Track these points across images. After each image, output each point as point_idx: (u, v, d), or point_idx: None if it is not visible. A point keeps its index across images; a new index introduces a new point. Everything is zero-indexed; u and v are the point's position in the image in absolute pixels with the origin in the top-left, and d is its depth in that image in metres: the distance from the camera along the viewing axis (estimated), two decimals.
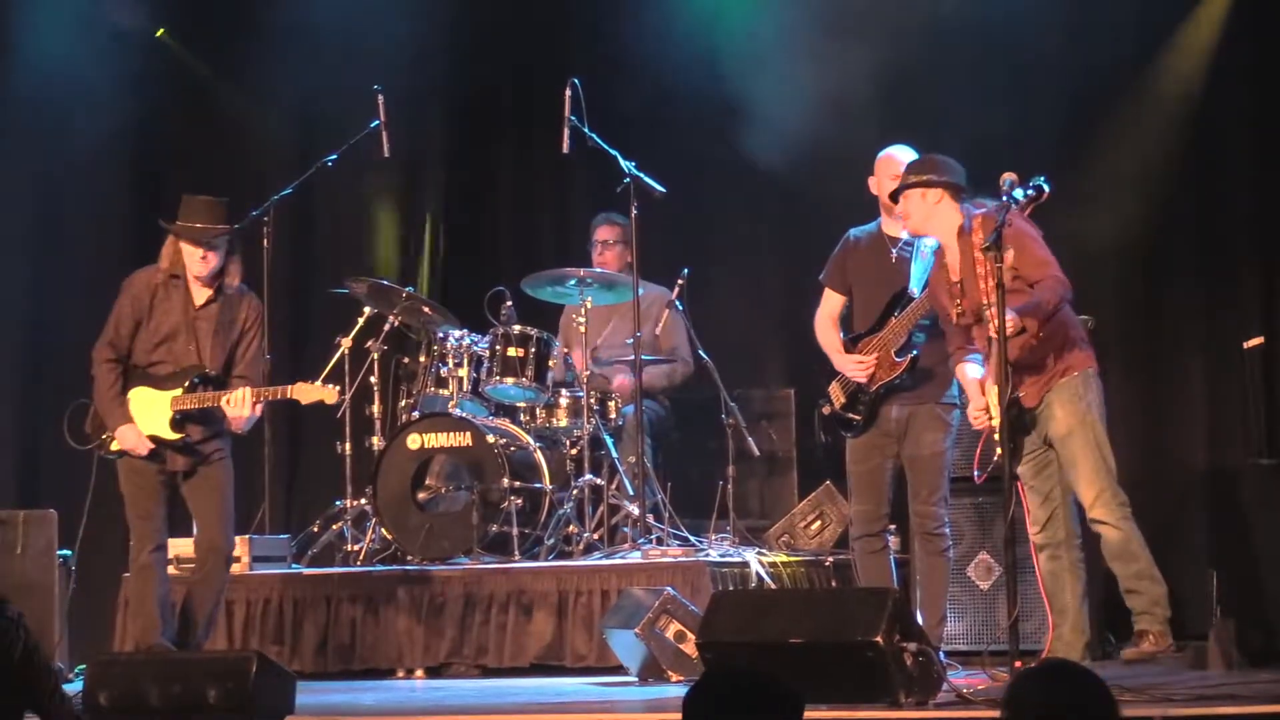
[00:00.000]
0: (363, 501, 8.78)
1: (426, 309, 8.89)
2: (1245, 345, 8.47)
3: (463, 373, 8.69)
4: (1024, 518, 6.77)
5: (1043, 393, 6.72)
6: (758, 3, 9.37)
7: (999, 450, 6.56)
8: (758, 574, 8.02)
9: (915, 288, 7.16)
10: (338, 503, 8.93)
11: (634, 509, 8.38)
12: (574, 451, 8.69)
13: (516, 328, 8.69)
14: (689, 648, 6.95)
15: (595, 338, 8.84)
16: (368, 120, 9.16)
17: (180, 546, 7.91)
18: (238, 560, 8.39)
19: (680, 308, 8.72)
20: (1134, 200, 8.97)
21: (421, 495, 8.61)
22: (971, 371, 6.83)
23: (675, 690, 6.82)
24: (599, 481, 8.55)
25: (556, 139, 8.54)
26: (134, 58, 10.18)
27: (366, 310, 8.94)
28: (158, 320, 7.31)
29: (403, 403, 8.87)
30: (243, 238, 7.64)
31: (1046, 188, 6.59)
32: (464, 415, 8.61)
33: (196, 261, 7.27)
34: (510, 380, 8.63)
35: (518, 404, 8.84)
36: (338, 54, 9.83)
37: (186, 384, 7.25)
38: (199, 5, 10.40)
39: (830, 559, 8.42)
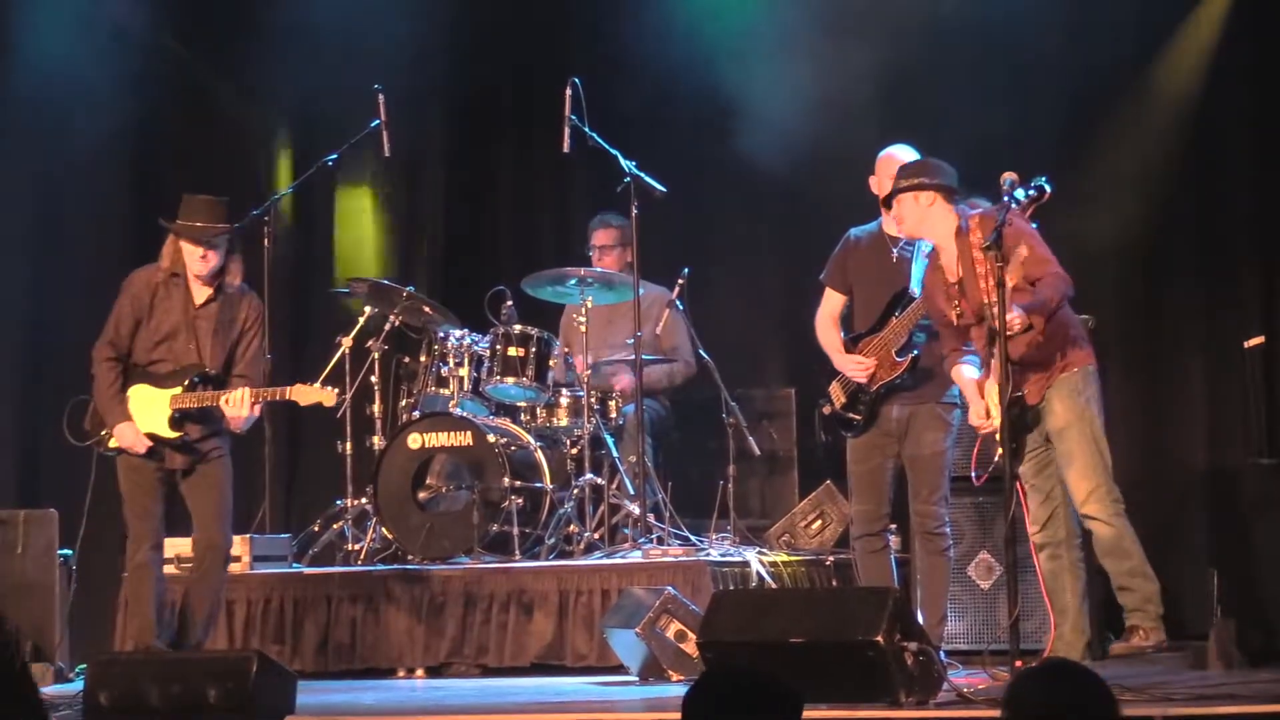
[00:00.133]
0: (363, 501, 8.78)
1: (427, 308, 8.89)
2: (1246, 345, 8.47)
3: (463, 372, 8.70)
4: (1024, 517, 6.77)
5: (1044, 389, 6.72)
6: (758, 2, 9.37)
7: (999, 451, 6.57)
8: (758, 573, 8.02)
9: (916, 287, 7.16)
10: (338, 502, 8.93)
11: (635, 508, 8.39)
12: (574, 451, 8.69)
13: (517, 327, 8.70)
14: (690, 647, 6.95)
15: (596, 338, 8.84)
16: (368, 120, 9.17)
17: (180, 546, 7.91)
18: (238, 560, 8.39)
19: (681, 307, 8.72)
20: (1134, 200, 8.97)
21: (422, 495, 8.61)
22: (968, 373, 6.82)
23: (676, 690, 6.82)
24: (600, 481, 8.56)
25: (557, 139, 8.54)
26: (134, 58, 10.18)
27: (367, 310, 8.94)
28: (158, 319, 7.31)
29: (403, 402, 8.87)
30: (243, 237, 7.64)
31: (1048, 188, 6.59)
32: (465, 415, 8.61)
33: (196, 260, 7.27)
34: (511, 380, 8.64)
35: (518, 403, 8.84)
36: (338, 54, 9.82)
37: (186, 383, 7.25)
38: (199, 5, 10.40)
39: (831, 558, 8.42)
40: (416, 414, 8.76)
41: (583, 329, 8.68)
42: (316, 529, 8.99)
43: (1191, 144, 9.03)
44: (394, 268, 9.93)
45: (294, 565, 8.71)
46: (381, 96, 9.10)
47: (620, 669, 7.55)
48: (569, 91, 8.47)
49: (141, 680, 6.10)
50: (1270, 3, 8.87)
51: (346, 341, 8.90)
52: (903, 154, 7.31)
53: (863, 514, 7.31)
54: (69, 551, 8.33)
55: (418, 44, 10.01)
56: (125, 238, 9.94)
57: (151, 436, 7.26)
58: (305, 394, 7.28)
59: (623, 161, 8.42)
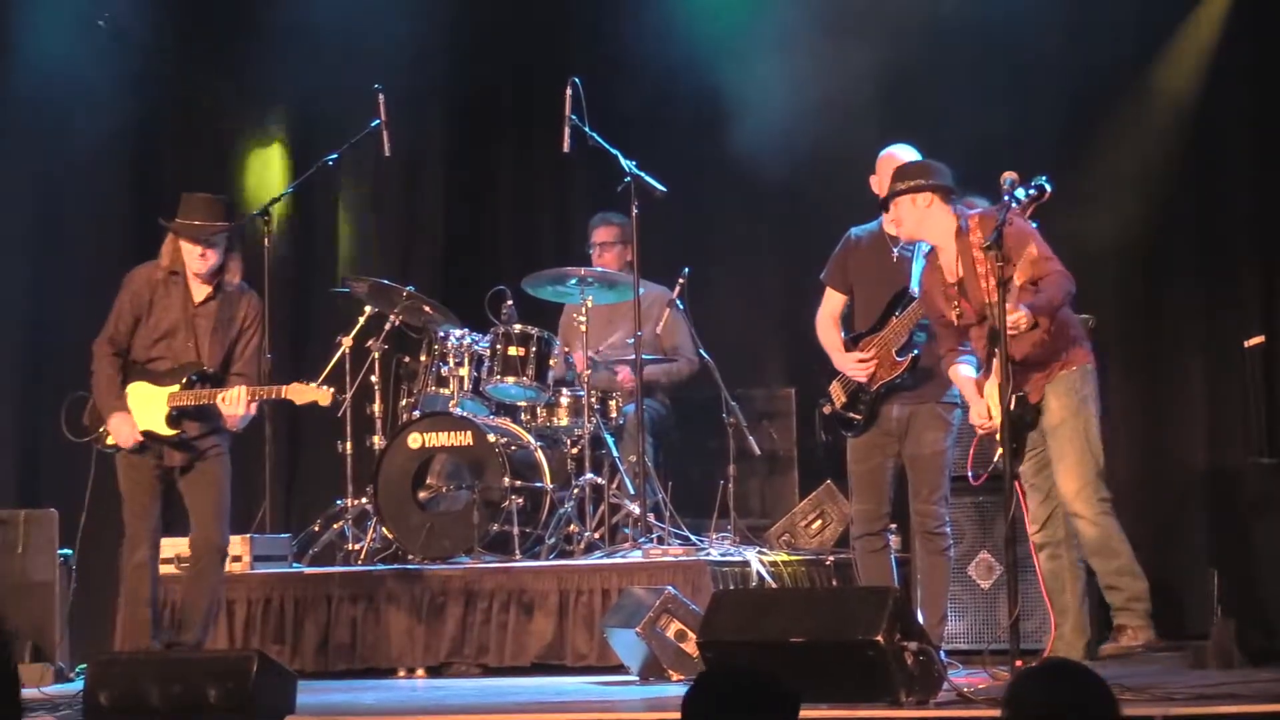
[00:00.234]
0: (364, 501, 8.78)
1: (427, 308, 8.89)
2: (1246, 344, 8.47)
3: (463, 372, 8.70)
4: (1024, 517, 6.77)
5: (1044, 386, 6.72)
6: (757, 2, 9.37)
7: (998, 450, 6.57)
8: (758, 573, 8.02)
9: (916, 287, 7.15)
10: (338, 502, 8.93)
11: (635, 508, 8.39)
12: (575, 450, 8.69)
13: (517, 327, 8.70)
14: (690, 647, 6.96)
15: (596, 338, 8.84)
16: (368, 120, 9.17)
17: (180, 546, 7.90)
18: (238, 560, 8.40)
19: (681, 307, 8.72)
20: (1134, 200, 8.97)
21: (422, 494, 8.61)
22: (965, 372, 6.81)
23: (676, 689, 6.82)
24: (600, 480, 8.56)
25: (557, 138, 8.54)
26: (134, 58, 10.19)
27: (367, 309, 8.94)
28: (157, 316, 7.32)
29: (404, 402, 8.87)
30: (242, 236, 7.63)
31: (1048, 187, 6.58)
32: (465, 414, 8.61)
33: (195, 259, 7.28)
34: (511, 379, 8.64)
35: (518, 403, 8.84)
36: (338, 54, 9.83)
37: (184, 381, 7.25)
38: (199, 5, 10.40)
39: (831, 558, 8.42)
40: (417, 413, 8.76)
41: (583, 328, 8.68)
42: (317, 529, 8.99)
43: (1191, 144, 9.03)
44: (394, 267, 9.93)
45: (294, 565, 8.72)
46: (381, 96, 9.11)
47: (620, 669, 7.55)
48: (569, 91, 8.47)
49: (142, 680, 6.10)
50: (1270, 3, 8.87)
51: (347, 341, 8.90)
52: (903, 154, 7.30)
53: (863, 513, 7.30)
54: (69, 551, 8.34)
55: (418, 44, 10.02)
56: (125, 238, 9.95)
57: (149, 434, 7.26)
58: (301, 393, 7.28)
59: (623, 161, 8.42)
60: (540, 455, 8.62)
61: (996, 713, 5.21)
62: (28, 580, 8.24)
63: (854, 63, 8.76)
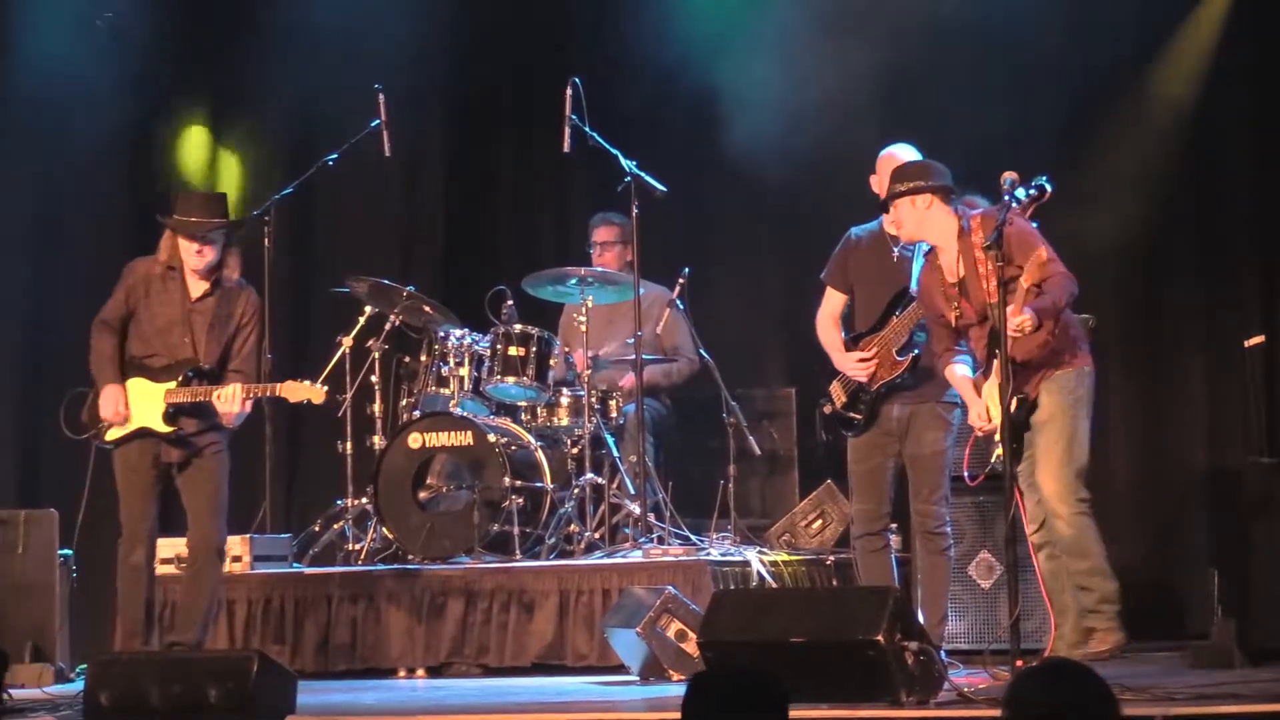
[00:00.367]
0: (364, 501, 8.78)
1: (427, 308, 8.89)
2: (1246, 344, 8.47)
3: (464, 372, 8.70)
4: (1022, 517, 6.76)
5: (1040, 385, 6.70)
6: (757, 2, 9.37)
7: (995, 453, 6.56)
8: (759, 573, 8.03)
9: (917, 287, 7.15)
10: (339, 502, 8.93)
11: (635, 508, 8.39)
12: (575, 450, 8.69)
13: (517, 327, 8.70)
14: (690, 647, 6.96)
15: (596, 338, 8.84)
16: (368, 120, 9.18)
17: (180, 546, 7.90)
18: (239, 560, 8.41)
19: (681, 307, 8.72)
20: (1134, 200, 8.98)
21: (423, 494, 8.62)
22: (962, 371, 6.79)
23: (676, 689, 6.82)
24: (600, 480, 8.56)
25: (557, 138, 8.54)
26: (134, 58, 10.20)
27: (367, 309, 8.94)
28: (153, 311, 7.32)
29: (404, 402, 8.87)
30: (241, 232, 7.62)
31: (1048, 188, 6.58)
32: (465, 414, 8.61)
33: (192, 255, 7.27)
34: (511, 379, 8.64)
35: (519, 403, 8.84)
36: (338, 54, 9.83)
37: (180, 377, 7.25)
38: (199, 5, 10.40)
39: (831, 558, 8.42)
40: (417, 413, 8.76)
41: (583, 328, 8.68)
42: (317, 529, 8.99)
43: (1191, 144, 9.04)
44: (394, 267, 9.93)
45: (294, 565, 8.72)
46: (382, 96, 9.12)
47: (621, 669, 7.55)
48: (569, 91, 8.47)
49: (142, 680, 6.09)
50: (1270, 3, 8.88)
51: (347, 341, 8.90)
52: (903, 153, 7.29)
53: (863, 513, 7.30)
54: (69, 551, 8.34)
55: (418, 44, 10.02)
56: (125, 238, 9.94)
57: (146, 431, 7.26)
58: (294, 390, 7.29)
59: (623, 161, 8.42)
60: (540, 455, 8.62)
61: (997, 713, 5.22)
62: (28, 580, 8.24)
63: (854, 62, 8.76)
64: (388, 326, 8.89)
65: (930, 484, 7.17)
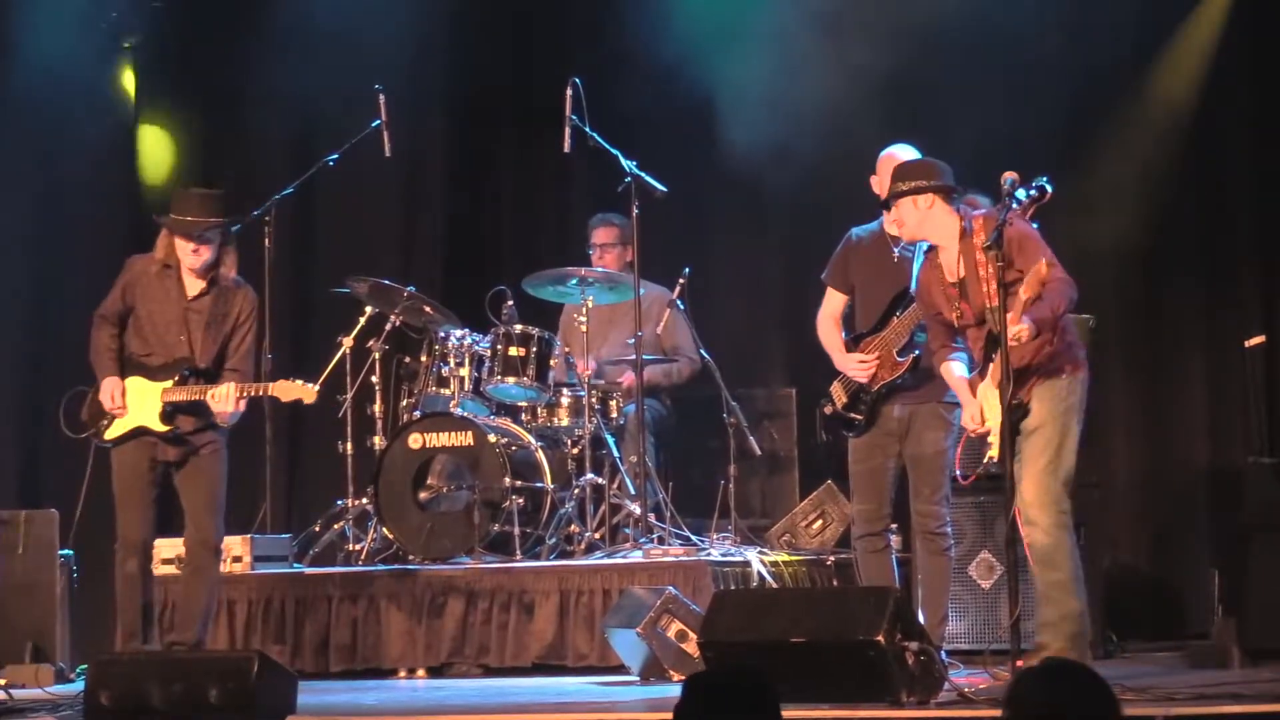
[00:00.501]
0: (364, 501, 8.78)
1: (428, 308, 8.89)
2: (1247, 344, 8.47)
3: (464, 372, 8.70)
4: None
5: (1033, 388, 6.64)
6: (758, 2, 9.37)
7: (988, 454, 6.55)
8: (759, 573, 8.03)
9: (916, 284, 7.13)
10: (339, 502, 8.93)
11: (635, 508, 8.39)
12: (575, 451, 8.69)
13: (518, 327, 8.70)
14: (691, 647, 6.96)
15: (596, 338, 8.85)
16: (368, 120, 9.18)
17: (179, 546, 7.89)
18: (239, 560, 8.41)
19: (682, 307, 8.72)
20: (1134, 200, 8.99)
21: (423, 495, 8.61)
22: (958, 370, 6.76)
23: (677, 690, 6.77)
24: (600, 481, 8.56)
25: (557, 139, 8.55)
26: (134, 58, 10.21)
27: (368, 309, 8.95)
28: (150, 310, 7.32)
29: (404, 402, 8.88)
30: (239, 230, 7.62)
31: (1049, 188, 6.54)
32: (465, 415, 8.61)
33: (188, 254, 7.27)
34: (511, 380, 8.64)
35: (519, 403, 8.84)
36: (338, 54, 9.82)
37: (177, 376, 7.26)
38: (199, 5, 10.41)
39: (832, 558, 8.42)
40: (417, 414, 8.77)
41: (583, 329, 8.68)
42: (317, 529, 9.00)
43: (1191, 144, 9.05)
44: (394, 268, 9.94)
45: (295, 565, 8.72)
46: (382, 97, 9.12)
47: (621, 669, 7.55)
48: (570, 91, 8.47)
49: (143, 680, 6.10)
50: (1270, 3, 8.88)
51: (347, 341, 8.90)
52: (903, 154, 7.28)
53: (864, 514, 7.30)
54: (69, 551, 8.34)
55: (418, 44, 10.03)
56: (125, 238, 9.94)
57: (144, 430, 7.26)
58: (286, 389, 7.28)
59: (623, 161, 8.42)
60: (541, 455, 8.62)
61: (997, 713, 5.22)
62: (28, 580, 8.24)
63: (854, 62, 8.76)
64: (388, 327, 8.89)
65: (931, 484, 7.17)
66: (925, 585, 7.27)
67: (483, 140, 10.45)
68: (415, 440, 8.61)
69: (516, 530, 8.38)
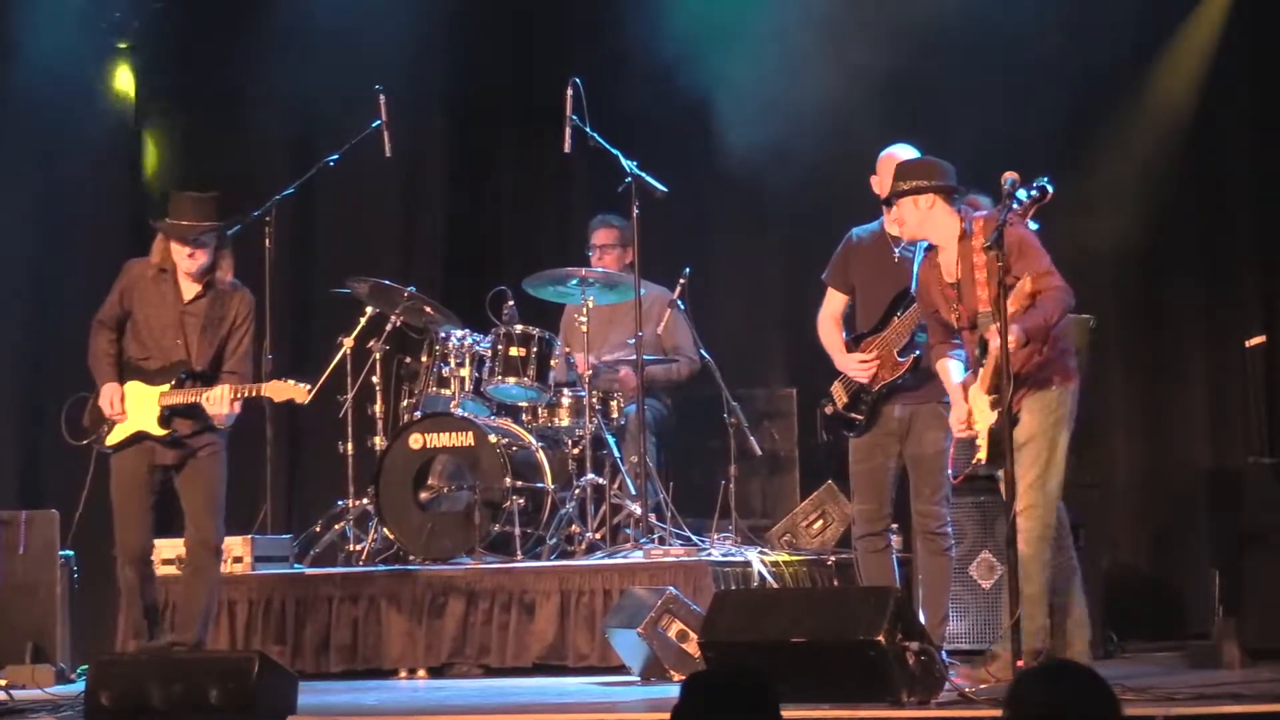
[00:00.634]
0: (365, 501, 8.78)
1: (428, 309, 8.89)
2: (1247, 344, 8.48)
3: (465, 372, 8.70)
4: None
5: (1023, 399, 6.61)
6: (758, 3, 9.37)
7: (976, 456, 6.55)
8: (760, 573, 8.03)
9: (915, 281, 7.13)
10: (340, 503, 8.93)
11: (636, 508, 8.39)
12: (576, 451, 8.69)
13: (518, 327, 8.70)
14: (691, 647, 6.96)
15: (597, 338, 8.85)
16: (368, 120, 9.18)
17: (181, 547, 7.89)
18: (240, 560, 8.41)
19: (682, 307, 8.72)
20: (1134, 200, 8.99)
21: (423, 495, 8.61)
22: (954, 370, 6.75)
23: (677, 690, 6.80)
24: (601, 481, 8.56)
25: (557, 139, 8.55)
26: (135, 58, 10.21)
27: (369, 310, 8.95)
28: (147, 314, 7.33)
29: (405, 402, 8.88)
30: (234, 232, 7.61)
31: (1050, 189, 6.54)
32: (466, 415, 8.61)
33: (184, 258, 7.27)
34: (512, 380, 8.64)
35: (520, 404, 8.84)
36: (338, 54, 9.83)
37: (174, 380, 7.26)
38: (199, 5, 10.41)
39: (832, 558, 8.43)
40: (418, 414, 8.77)
41: (584, 329, 8.68)
42: (318, 529, 9.00)
43: (1191, 144, 9.05)
44: (395, 268, 9.94)
45: (295, 566, 8.72)
46: (382, 97, 9.12)
47: (622, 669, 7.55)
48: (570, 91, 8.47)
49: (143, 681, 6.10)
50: (1270, 3, 8.88)
51: (348, 342, 8.91)
52: (903, 153, 7.28)
53: (864, 514, 7.30)
54: (70, 552, 8.34)
55: (418, 44, 10.03)
56: (125, 239, 9.95)
57: (143, 435, 7.27)
58: (279, 390, 7.28)
59: (624, 162, 8.42)
60: (541, 456, 8.62)
61: (998, 713, 5.22)
62: (29, 580, 8.24)
63: (854, 63, 8.75)
64: (389, 327, 8.89)
65: (931, 484, 7.17)
66: (926, 585, 7.27)
67: (483, 140, 10.45)
68: (416, 440, 8.61)
69: (517, 530, 8.38)
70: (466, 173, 10.47)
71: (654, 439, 8.69)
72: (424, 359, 8.83)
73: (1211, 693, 6.04)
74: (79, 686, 6.93)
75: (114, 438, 7.30)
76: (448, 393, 8.72)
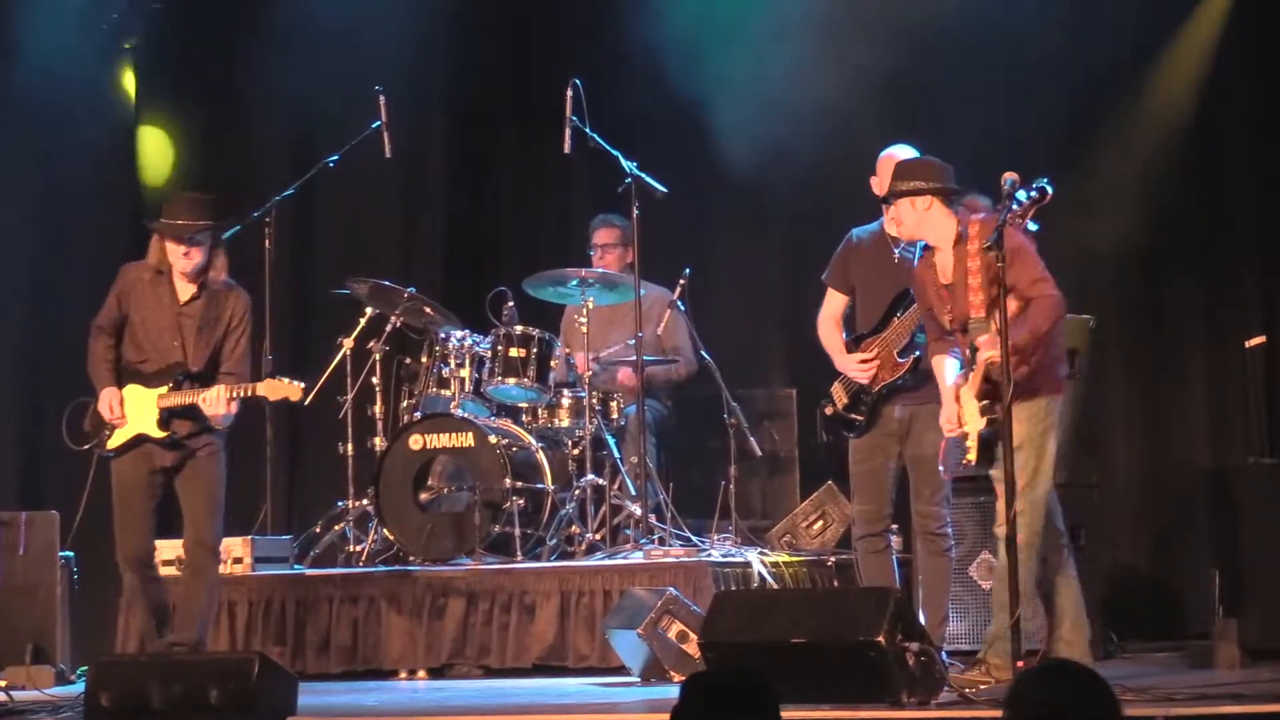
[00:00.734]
0: (365, 502, 8.78)
1: (428, 309, 8.89)
2: (1247, 344, 8.48)
3: (465, 373, 8.70)
4: None
5: (1010, 407, 6.57)
6: (759, 3, 9.37)
7: (965, 458, 6.55)
8: (760, 574, 8.03)
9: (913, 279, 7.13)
10: (340, 503, 8.93)
11: (636, 509, 8.39)
12: (576, 452, 8.69)
13: (518, 328, 8.70)
14: (691, 648, 6.96)
15: (597, 339, 8.85)
16: (368, 120, 9.18)
17: (180, 548, 7.89)
18: (240, 561, 8.41)
19: (682, 308, 8.72)
20: (1134, 200, 8.99)
21: (423, 496, 8.62)
22: (949, 371, 6.74)
23: (677, 690, 6.80)
24: (601, 482, 8.56)
25: (557, 139, 8.55)
26: (135, 58, 10.21)
27: (369, 311, 8.95)
28: (143, 316, 7.33)
29: (405, 403, 8.88)
30: (236, 230, 7.61)
31: (1050, 190, 6.52)
32: (466, 416, 8.61)
33: (179, 258, 7.28)
34: (512, 381, 8.64)
35: (520, 404, 8.84)
36: (338, 54, 9.83)
37: (172, 382, 7.26)
38: (199, 5, 10.41)
39: (832, 559, 8.43)
40: (418, 415, 8.76)
41: (584, 330, 8.68)
42: (318, 530, 9.00)
43: (1191, 144, 9.05)
44: (395, 269, 9.94)
45: (295, 566, 8.72)
46: (382, 98, 9.12)
47: (622, 670, 7.55)
48: (570, 92, 8.47)
49: (143, 681, 6.10)
50: (1270, 3, 8.88)
51: (348, 343, 8.91)
52: (903, 154, 7.27)
53: (864, 514, 7.30)
54: (70, 553, 8.34)
55: (418, 44, 10.03)
56: (125, 239, 9.94)
57: (143, 437, 7.27)
58: (274, 388, 7.28)
59: (624, 162, 8.42)
60: (541, 456, 8.62)
61: (998, 713, 5.22)
62: (29, 581, 8.24)
63: (855, 63, 8.76)
64: (389, 328, 8.89)
65: (931, 485, 7.16)
66: (926, 586, 7.27)
67: (483, 140, 10.45)
68: (416, 441, 8.61)
69: (517, 531, 8.38)
70: (466, 173, 10.47)
71: (654, 439, 8.69)
72: (424, 360, 8.83)
73: (1212, 693, 6.04)
74: (79, 687, 6.92)
75: (114, 441, 7.30)
76: (448, 393, 8.72)
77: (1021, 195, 6.41)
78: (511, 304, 8.83)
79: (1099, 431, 8.86)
